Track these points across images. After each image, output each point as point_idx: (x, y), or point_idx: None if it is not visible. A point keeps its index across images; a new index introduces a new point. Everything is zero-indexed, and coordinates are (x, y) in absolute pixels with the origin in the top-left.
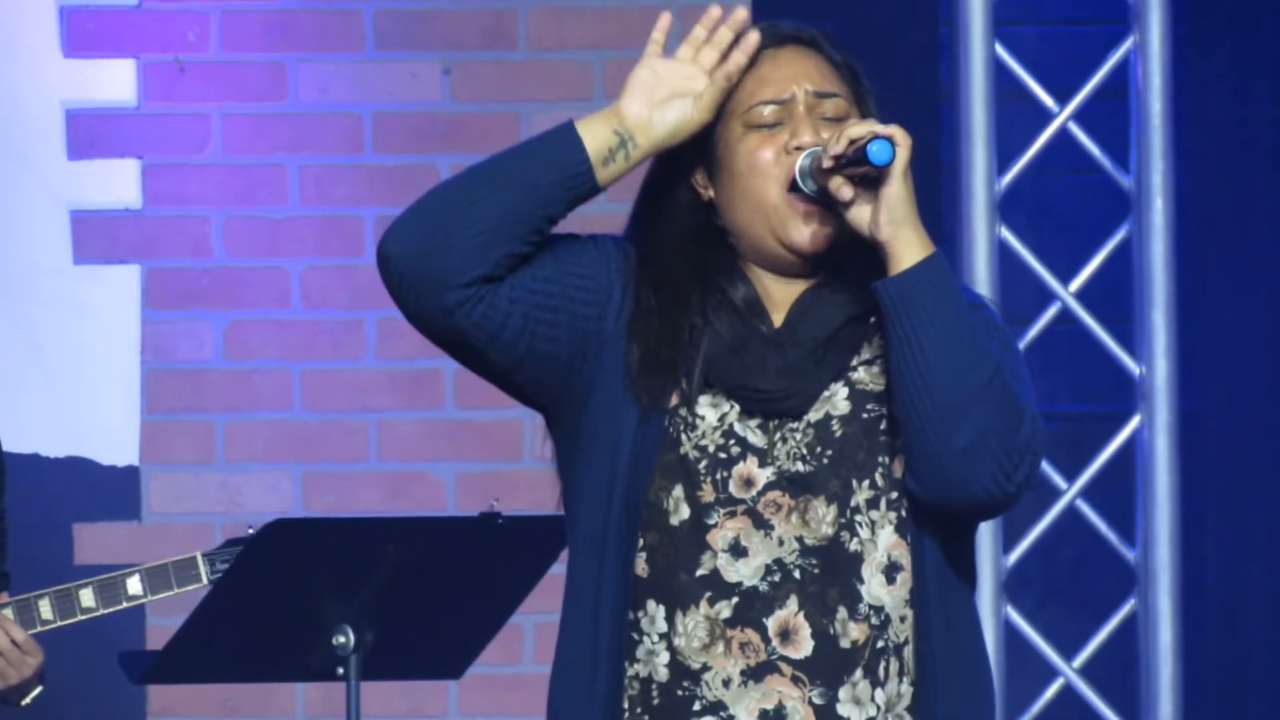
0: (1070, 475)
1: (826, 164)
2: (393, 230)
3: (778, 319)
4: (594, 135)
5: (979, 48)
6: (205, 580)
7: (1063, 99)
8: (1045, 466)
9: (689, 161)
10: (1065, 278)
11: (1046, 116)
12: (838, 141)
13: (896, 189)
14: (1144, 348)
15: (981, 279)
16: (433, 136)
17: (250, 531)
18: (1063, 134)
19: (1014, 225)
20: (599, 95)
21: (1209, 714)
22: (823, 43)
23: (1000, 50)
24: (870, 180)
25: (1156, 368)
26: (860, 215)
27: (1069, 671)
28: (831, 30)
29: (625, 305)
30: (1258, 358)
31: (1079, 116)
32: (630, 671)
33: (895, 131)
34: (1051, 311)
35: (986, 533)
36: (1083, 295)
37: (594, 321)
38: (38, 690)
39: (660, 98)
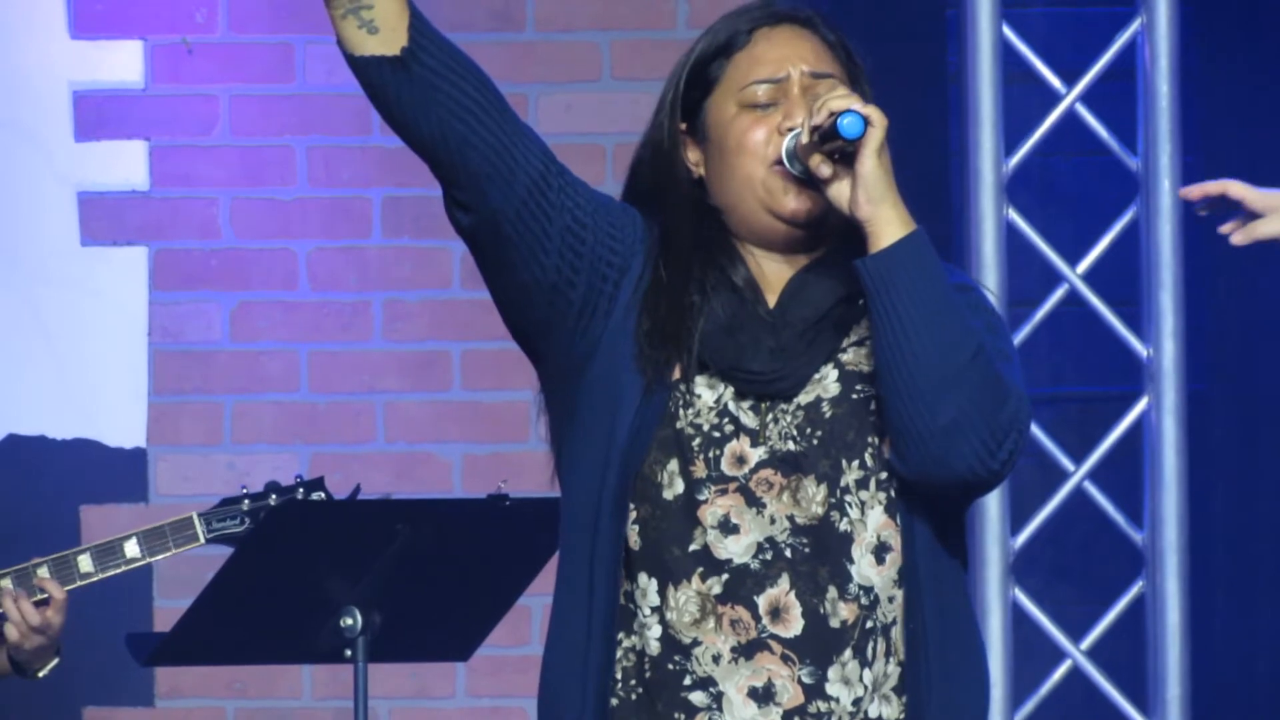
0: (1078, 457)
1: (805, 138)
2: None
3: (772, 300)
4: None
5: (986, 29)
6: (202, 540)
7: (1070, 80)
8: (1053, 448)
9: (681, 139)
10: (1073, 259)
11: (1054, 98)
12: (818, 112)
13: (870, 166)
14: (1151, 329)
15: (989, 261)
16: None
17: (243, 490)
18: (1070, 115)
19: (1021, 207)
20: (607, 77)
21: (1217, 696)
22: (818, 23)
23: (1008, 32)
24: (849, 157)
25: (1164, 349)
26: (840, 193)
27: (1076, 653)
28: (839, 12)
29: (644, 278)
30: (1265, 339)
31: (1086, 98)
32: (627, 643)
33: (872, 111)
34: (1059, 293)
35: (994, 514)
36: (1090, 277)
37: (611, 284)
38: (55, 662)
39: None
